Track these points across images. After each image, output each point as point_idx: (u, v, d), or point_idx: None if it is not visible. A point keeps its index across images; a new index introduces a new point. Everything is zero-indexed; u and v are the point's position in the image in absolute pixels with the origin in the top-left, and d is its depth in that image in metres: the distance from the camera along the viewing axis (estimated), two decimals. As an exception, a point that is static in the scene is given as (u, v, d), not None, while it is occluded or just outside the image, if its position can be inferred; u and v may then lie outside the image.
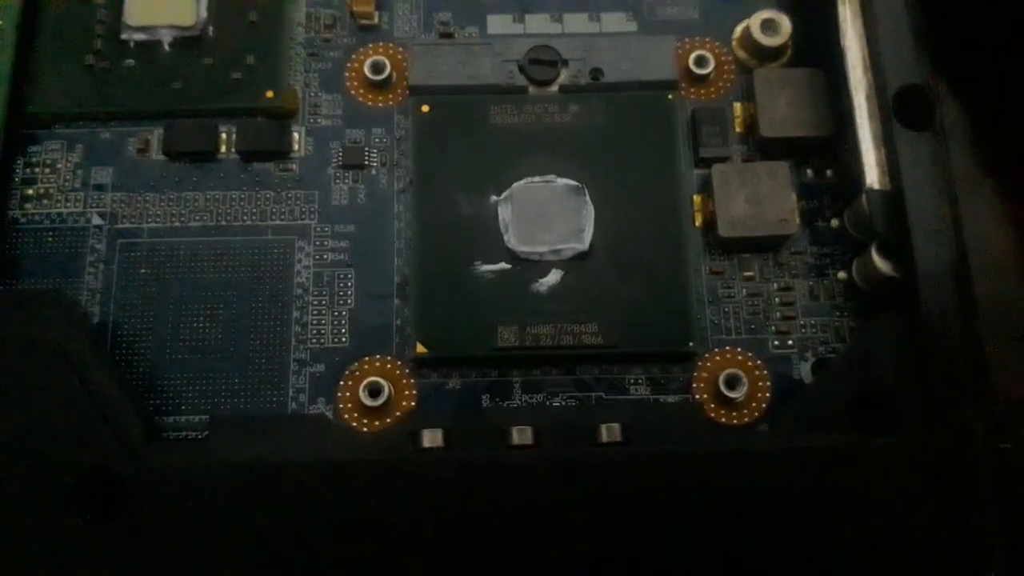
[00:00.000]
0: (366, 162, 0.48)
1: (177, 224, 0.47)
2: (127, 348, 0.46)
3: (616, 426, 0.42)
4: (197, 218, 0.47)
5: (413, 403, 0.45)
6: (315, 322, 0.46)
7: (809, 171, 0.48)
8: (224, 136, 0.48)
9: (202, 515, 0.38)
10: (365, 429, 0.44)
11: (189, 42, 0.48)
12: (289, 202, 0.47)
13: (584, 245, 0.45)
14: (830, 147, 0.47)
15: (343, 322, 0.46)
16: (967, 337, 0.39)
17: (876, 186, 0.43)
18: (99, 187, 0.48)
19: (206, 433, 0.43)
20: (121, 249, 0.47)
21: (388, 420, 0.44)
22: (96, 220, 0.47)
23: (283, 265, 0.46)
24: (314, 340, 0.46)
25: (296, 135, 0.48)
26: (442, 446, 0.41)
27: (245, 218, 0.47)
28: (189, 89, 0.48)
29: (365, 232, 0.47)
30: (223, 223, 0.47)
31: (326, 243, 0.47)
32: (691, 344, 0.44)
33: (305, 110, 0.49)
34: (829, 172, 0.48)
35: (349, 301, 0.46)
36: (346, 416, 0.45)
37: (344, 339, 0.46)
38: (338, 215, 0.47)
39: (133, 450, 0.39)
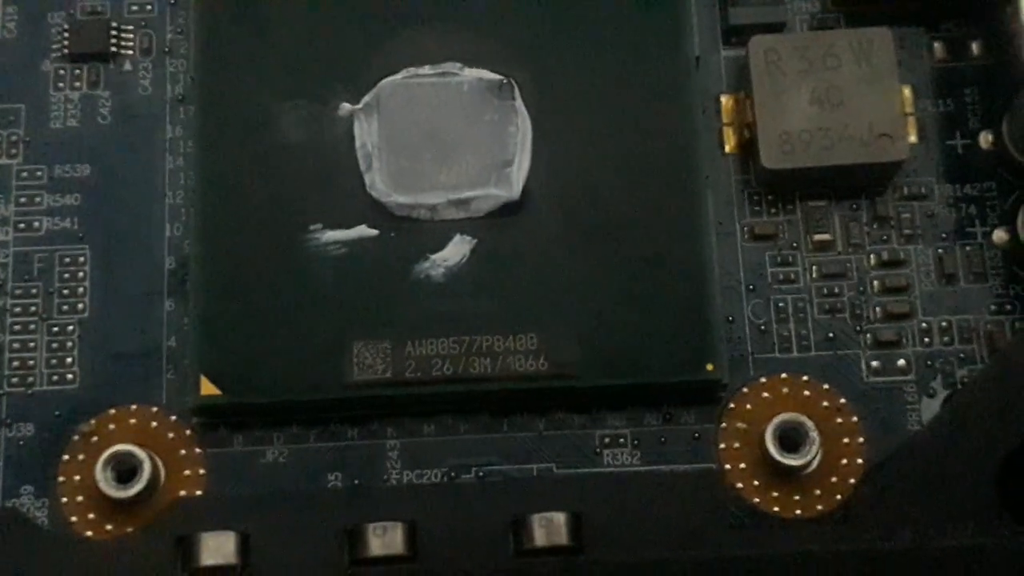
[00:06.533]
0: (114, 48, 0.38)
1: None
2: None
3: (560, 518, 0.33)
4: None
5: (198, 490, 0.35)
6: (17, 347, 0.36)
7: (937, 45, 0.38)
8: None
9: None
10: (108, 537, 0.34)
11: None
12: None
13: (513, 191, 0.36)
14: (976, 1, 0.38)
15: (70, 346, 0.36)
16: None
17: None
18: None
19: None
20: None
21: (152, 520, 0.34)
22: None
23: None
24: (16, 380, 0.36)
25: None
26: (236, 563, 0.33)
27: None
28: None
29: (111, 179, 0.37)
30: None
31: (38, 200, 0.37)
32: (712, 368, 0.35)
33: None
34: (975, 46, 0.38)
35: (80, 306, 0.36)
36: (74, 518, 0.34)
37: (71, 377, 0.36)
38: (61, 148, 0.37)
39: None
